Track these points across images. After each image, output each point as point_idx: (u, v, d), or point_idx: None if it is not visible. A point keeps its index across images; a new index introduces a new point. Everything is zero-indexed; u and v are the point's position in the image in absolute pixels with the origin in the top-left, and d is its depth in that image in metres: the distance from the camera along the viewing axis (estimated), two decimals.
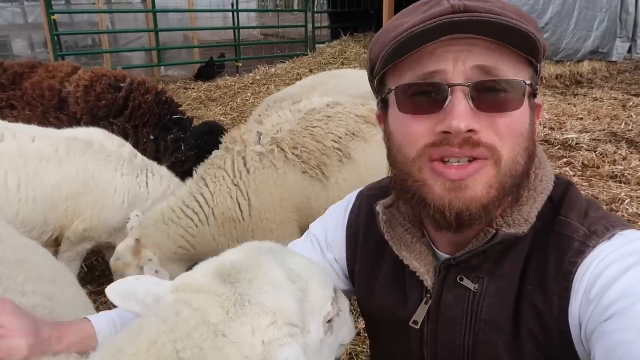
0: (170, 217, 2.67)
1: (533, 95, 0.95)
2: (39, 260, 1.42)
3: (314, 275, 1.03)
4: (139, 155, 3.20)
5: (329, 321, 1.01)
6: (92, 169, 2.86)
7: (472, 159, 0.89)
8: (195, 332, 0.81)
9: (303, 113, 2.89)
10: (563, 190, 1.02)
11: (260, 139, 2.77)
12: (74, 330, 1.11)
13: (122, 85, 3.87)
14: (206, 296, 0.87)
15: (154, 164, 3.25)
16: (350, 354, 2.79)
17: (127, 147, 3.14)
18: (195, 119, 7.23)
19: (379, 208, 1.14)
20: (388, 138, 1.02)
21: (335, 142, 2.78)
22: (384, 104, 1.02)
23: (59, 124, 3.66)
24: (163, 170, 3.30)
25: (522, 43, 0.86)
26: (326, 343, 1.01)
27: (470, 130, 0.86)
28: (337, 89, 4.06)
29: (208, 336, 0.81)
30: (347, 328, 1.16)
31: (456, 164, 0.89)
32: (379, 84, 1.02)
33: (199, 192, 2.69)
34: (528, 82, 0.90)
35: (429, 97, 0.90)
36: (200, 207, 2.67)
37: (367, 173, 2.75)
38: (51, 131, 3.01)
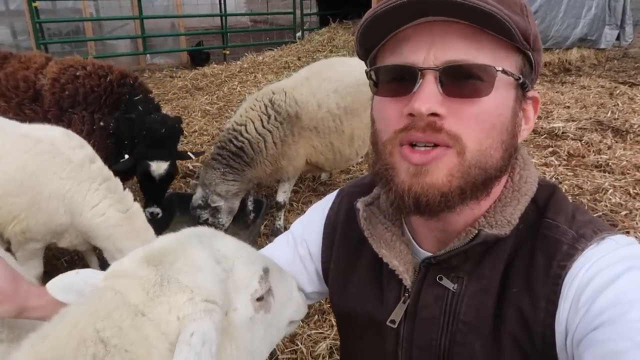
0: None
1: (521, 86, 0.92)
2: None
3: (241, 255, 1.04)
4: (99, 163, 2.89)
5: (260, 299, 1.02)
6: (31, 168, 2.64)
7: (436, 145, 0.87)
8: (115, 313, 0.83)
9: None
10: (549, 193, 1.01)
11: None
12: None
13: (78, 73, 3.74)
14: (129, 279, 0.89)
15: (111, 177, 2.90)
16: (331, 348, 2.79)
17: (84, 151, 2.84)
18: (181, 109, 7.23)
19: (359, 205, 1.12)
20: (372, 123, 1.01)
21: None
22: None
23: (34, 116, 3.59)
24: (124, 194, 2.91)
25: (495, 26, 0.82)
26: (259, 320, 1.02)
27: (435, 115, 0.85)
28: (332, 79, 4.03)
29: (127, 316, 0.83)
30: (296, 305, 1.18)
31: (422, 149, 0.88)
32: (370, 66, 1.01)
33: None
34: (499, 68, 0.86)
35: (402, 80, 0.89)
36: None
37: None
38: (9, 125, 2.82)
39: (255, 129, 3.77)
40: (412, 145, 0.89)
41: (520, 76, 0.91)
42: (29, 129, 2.81)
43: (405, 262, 1.05)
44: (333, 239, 1.23)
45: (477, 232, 0.93)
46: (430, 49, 0.86)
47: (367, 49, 0.97)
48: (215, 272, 0.94)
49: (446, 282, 1.00)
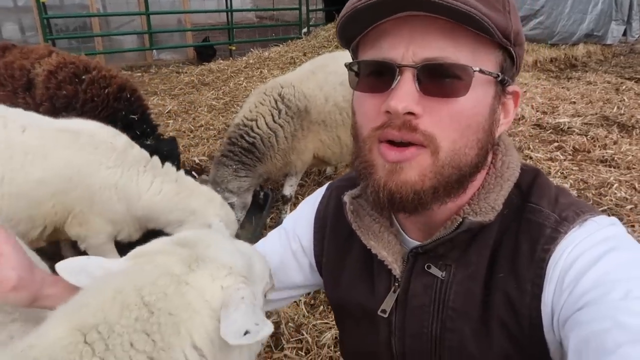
0: None
1: (500, 83, 0.92)
2: None
3: (254, 252, 1.13)
4: (136, 146, 2.94)
5: (265, 295, 1.10)
6: (77, 163, 2.63)
7: (410, 144, 0.88)
8: (160, 281, 0.89)
9: None
10: (531, 178, 1.02)
11: None
12: (67, 282, 1.13)
13: (83, 77, 3.68)
14: (167, 255, 0.96)
15: (154, 162, 2.96)
16: (336, 338, 2.83)
17: (122, 138, 2.88)
18: (187, 104, 7.27)
19: (346, 198, 1.13)
20: (353, 115, 1.02)
21: None
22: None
23: (26, 106, 3.53)
24: (164, 169, 2.99)
25: (475, 25, 0.82)
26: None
27: (411, 114, 0.85)
28: (337, 72, 4.04)
29: (171, 283, 0.89)
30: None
31: (397, 147, 0.89)
32: (352, 56, 1.02)
33: None
34: (477, 68, 0.86)
35: (380, 76, 0.89)
36: None
37: None
38: (45, 121, 2.77)
39: (266, 123, 3.77)
40: (388, 142, 0.89)
41: (500, 73, 0.90)
42: (64, 123, 2.79)
43: (394, 253, 1.05)
44: (324, 232, 1.24)
45: (461, 220, 0.94)
46: (410, 45, 0.85)
47: (347, 40, 0.97)
48: (244, 260, 1.02)
49: (434, 271, 1.01)
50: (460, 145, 0.88)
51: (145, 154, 2.97)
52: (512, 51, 0.91)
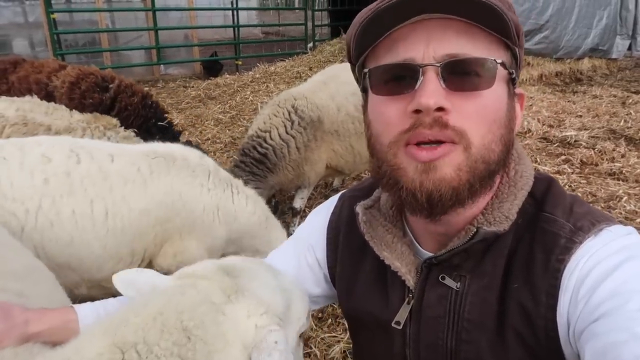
0: None
1: (511, 81, 0.94)
2: (11, 256, 1.43)
3: (296, 289, 1.12)
4: (221, 169, 2.82)
5: (300, 335, 1.09)
6: (178, 188, 2.46)
7: (440, 142, 0.87)
8: (200, 308, 0.91)
9: None
10: (545, 186, 1.01)
11: None
12: (55, 313, 1.14)
13: (110, 85, 3.80)
14: (210, 282, 0.98)
15: (238, 181, 2.86)
16: (344, 352, 2.80)
17: (209, 159, 2.74)
18: (194, 117, 7.32)
19: (358, 208, 1.13)
20: (367, 127, 1.01)
21: None
22: (364, 92, 1.01)
23: None
24: (247, 189, 2.91)
25: (492, 21, 0.84)
26: (296, 356, 1.07)
27: (441, 109, 0.85)
28: (349, 82, 4.07)
29: (210, 312, 0.91)
30: None
31: (428, 146, 0.88)
32: (360, 71, 1.01)
33: None
34: (499, 60, 0.88)
35: (401, 79, 0.89)
36: None
37: None
38: (127, 146, 2.59)
39: (279, 135, 3.80)
40: (417, 144, 0.89)
41: (513, 71, 0.92)
42: (149, 147, 2.61)
43: (407, 263, 1.05)
44: (337, 242, 1.24)
45: (475, 230, 0.93)
46: (429, 45, 0.86)
47: (362, 50, 0.95)
48: (283, 299, 1.03)
49: (449, 282, 0.99)
50: (489, 140, 0.89)
51: (230, 176, 2.84)
52: (517, 52, 0.93)
